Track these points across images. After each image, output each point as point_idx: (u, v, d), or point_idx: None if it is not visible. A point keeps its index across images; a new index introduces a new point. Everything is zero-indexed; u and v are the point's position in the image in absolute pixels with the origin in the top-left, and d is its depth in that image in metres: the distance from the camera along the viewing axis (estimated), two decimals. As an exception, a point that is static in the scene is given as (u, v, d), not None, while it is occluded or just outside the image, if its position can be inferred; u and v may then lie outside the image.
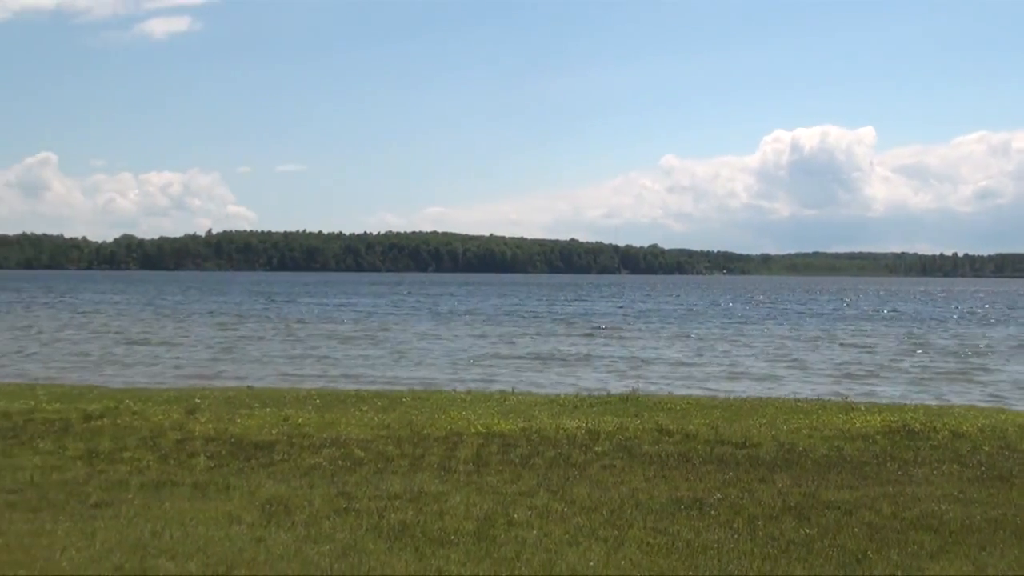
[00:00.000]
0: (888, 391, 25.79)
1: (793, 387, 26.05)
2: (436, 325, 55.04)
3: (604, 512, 9.80)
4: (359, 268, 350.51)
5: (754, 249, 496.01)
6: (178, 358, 33.46)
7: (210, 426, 14.87)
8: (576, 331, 50.41)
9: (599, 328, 52.43)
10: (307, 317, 61.88)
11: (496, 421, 15.65)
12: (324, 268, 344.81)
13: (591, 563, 8.09)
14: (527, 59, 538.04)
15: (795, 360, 35.16)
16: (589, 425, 15.30)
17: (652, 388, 24.35)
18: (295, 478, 11.36)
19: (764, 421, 16.03)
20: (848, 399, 20.21)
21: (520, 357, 35.02)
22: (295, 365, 31.50)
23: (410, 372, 29.74)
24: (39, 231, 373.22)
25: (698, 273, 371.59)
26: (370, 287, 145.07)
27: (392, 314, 66.94)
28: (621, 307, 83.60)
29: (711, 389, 25.26)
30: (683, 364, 33.31)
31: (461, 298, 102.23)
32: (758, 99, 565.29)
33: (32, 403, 17.11)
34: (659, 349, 39.64)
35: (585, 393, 21.13)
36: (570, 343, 42.07)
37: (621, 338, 45.46)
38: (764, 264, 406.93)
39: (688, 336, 47.31)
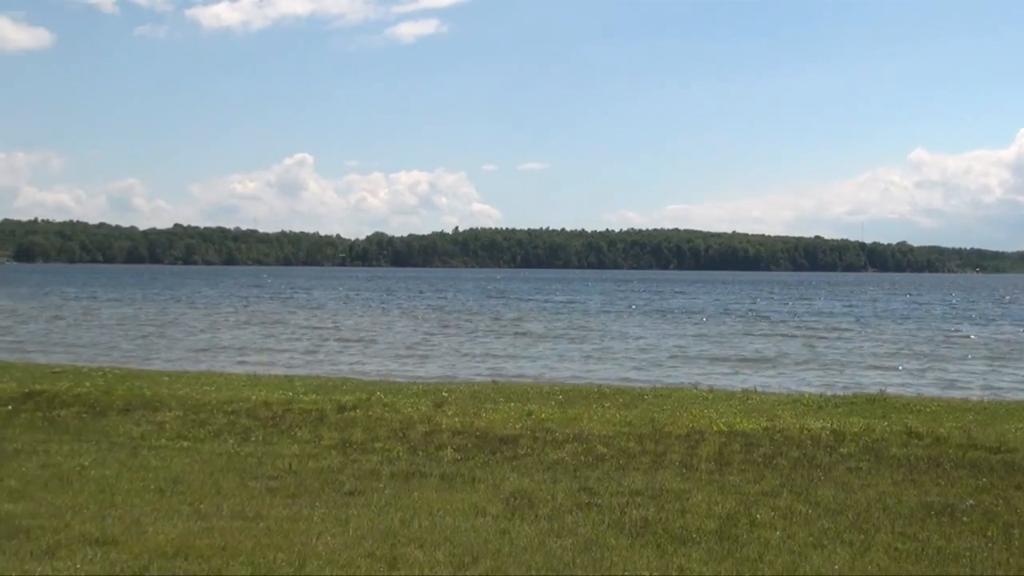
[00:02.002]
0: None
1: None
2: (647, 322, 54.85)
3: (850, 515, 9.57)
4: (601, 265, 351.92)
5: (1010, 246, 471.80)
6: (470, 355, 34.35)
7: (457, 419, 15.24)
8: (796, 331, 49.16)
9: (838, 328, 50.77)
10: (504, 314, 62.47)
11: (738, 420, 15.47)
12: (567, 265, 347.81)
13: (836, 567, 7.93)
14: (769, 53, 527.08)
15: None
16: (834, 426, 14.94)
17: (897, 390, 23.54)
18: (538, 472, 11.53)
19: (1021, 426, 15.28)
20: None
21: (723, 359, 34.38)
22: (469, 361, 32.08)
23: (585, 368, 29.77)
24: (296, 229, 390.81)
25: (949, 271, 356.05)
26: (599, 284, 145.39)
27: (607, 311, 66.90)
28: (876, 305, 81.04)
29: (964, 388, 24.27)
30: (934, 362, 32.11)
31: (688, 296, 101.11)
32: (1014, 89, 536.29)
33: (290, 394, 17.93)
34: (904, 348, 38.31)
35: (831, 393, 20.61)
36: (791, 343, 41.11)
37: (861, 338, 44.10)
38: (1021, 262, 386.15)
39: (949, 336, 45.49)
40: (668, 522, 9.17)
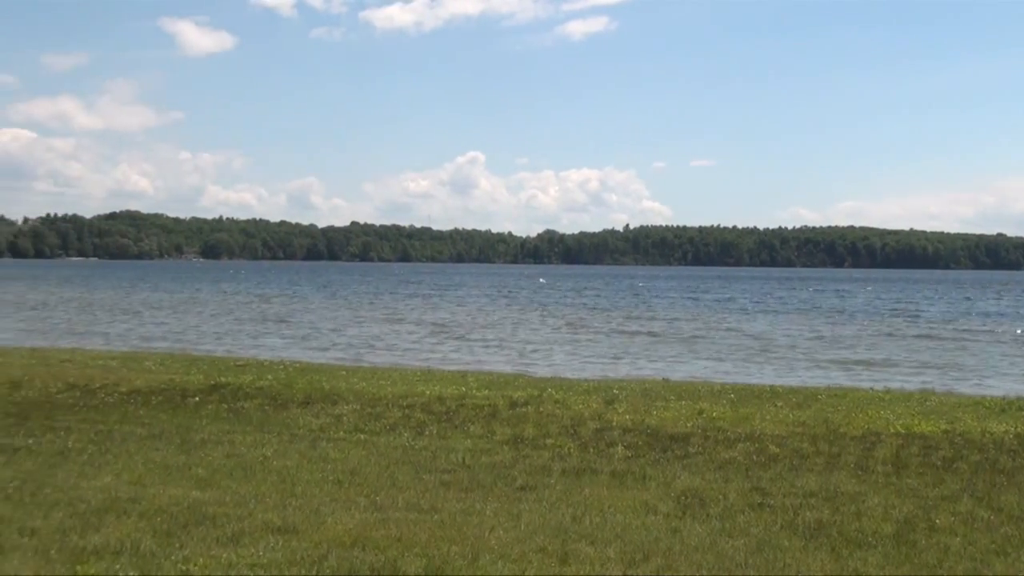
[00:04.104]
0: None
1: None
2: (781, 320, 53.71)
3: (1036, 522, 9.25)
4: (773, 263, 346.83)
5: None
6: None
7: (627, 417, 15.26)
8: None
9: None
10: (635, 311, 61.72)
11: (916, 422, 15.10)
12: (738, 263, 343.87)
13: (1021, 575, 7.68)
14: (945, 43, 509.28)
15: None
16: (1018, 429, 14.45)
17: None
18: (709, 471, 11.46)
19: None
20: None
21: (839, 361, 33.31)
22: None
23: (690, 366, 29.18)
24: (468, 227, 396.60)
25: None
26: (760, 283, 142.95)
27: (743, 311, 65.69)
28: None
29: None
30: None
31: (847, 295, 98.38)
32: None
33: (463, 389, 18.21)
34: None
35: (1014, 395, 19.88)
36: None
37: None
38: None
39: None
40: (843, 525, 9.02)
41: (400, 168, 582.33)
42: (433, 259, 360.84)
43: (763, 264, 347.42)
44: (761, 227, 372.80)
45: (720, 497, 10.05)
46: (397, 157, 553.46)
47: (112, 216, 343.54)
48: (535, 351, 33.99)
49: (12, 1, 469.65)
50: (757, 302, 79.07)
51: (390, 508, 9.31)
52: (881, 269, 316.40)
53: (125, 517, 8.65)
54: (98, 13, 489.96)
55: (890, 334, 44.27)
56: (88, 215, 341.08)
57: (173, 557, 7.54)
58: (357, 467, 11.19)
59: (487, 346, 35.88)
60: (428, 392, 17.60)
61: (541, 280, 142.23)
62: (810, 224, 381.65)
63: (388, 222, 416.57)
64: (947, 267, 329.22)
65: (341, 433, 13.58)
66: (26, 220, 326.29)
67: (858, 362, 31.18)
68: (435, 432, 13.80)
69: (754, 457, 12.30)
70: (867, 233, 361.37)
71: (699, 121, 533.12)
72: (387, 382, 19.21)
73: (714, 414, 15.64)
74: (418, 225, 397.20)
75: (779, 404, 17.10)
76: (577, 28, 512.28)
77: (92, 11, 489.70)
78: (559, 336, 41.16)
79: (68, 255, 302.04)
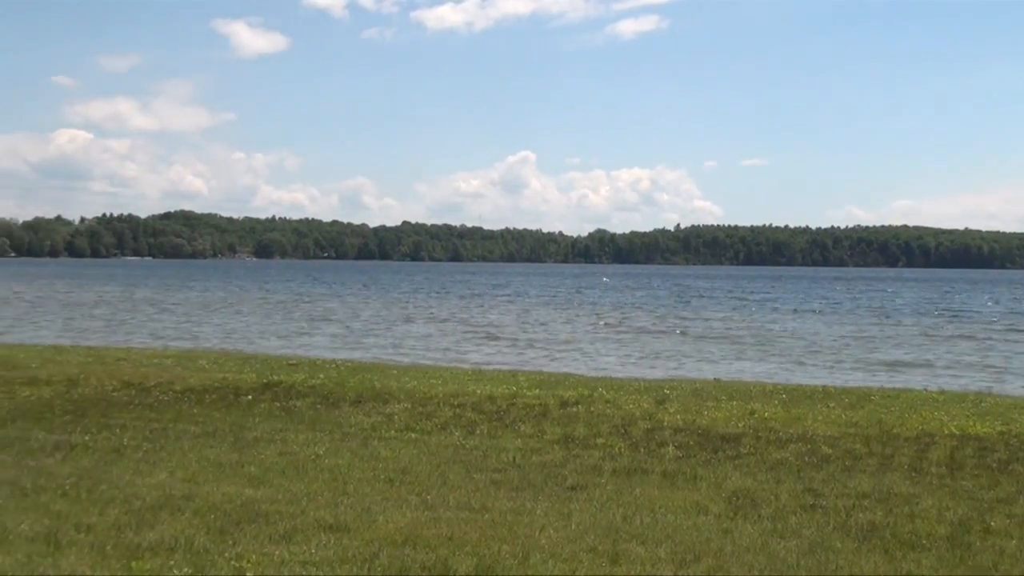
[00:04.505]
0: None
1: None
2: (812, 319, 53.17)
3: (1094, 526, 9.12)
4: (825, 263, 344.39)
5: None
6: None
7: (678, 417, 15.22)
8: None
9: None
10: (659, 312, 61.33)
11: (971, 423, 14.95)
12: (790, 263, 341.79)
13: (1078, 579, 7.58)
14: (996, 41, 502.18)
15: None
16: (1076, 431, 14.25)
17: None
18: (761, 472, 11.41)
19: None
20: None
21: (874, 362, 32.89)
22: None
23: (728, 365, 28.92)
24: (519, 226, 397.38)
25: None
26: (798, 282, 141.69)
27: (793, 311, 65.04)
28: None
29: None
30: None
31: (888, 295, 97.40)
32: None
33: (514, 388, 18.25)
34: None
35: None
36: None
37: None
38: None
39: None
40: (896, 527, 8.94)
41: (451, 168, 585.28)
42: (484, 259, 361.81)
43: (815, 264, 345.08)
44: (813, 226, 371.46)
45: (772, 498, 10.00)
46: (448, 157, 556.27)
47: (167, 216, 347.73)
48: (581, 350, 33.99)
49: (70, 4, 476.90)
50: (806, 302, 78.52)
51: (441, 507, 9.34)
52: (935, 269, 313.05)
53: (179, 514, 8.75)
54: (153, 15, 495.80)
55: (943, 335, 43.80)
56: (143, 215, 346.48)
57: (226, 554, 7.62)
58: (408, 466, 11.24)
59: (534, 345, 35.86)
60: (479, 391, 17.65)
61: (605, 279, 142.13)
62: (863, 223, 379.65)
63: (439, 222, 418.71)
64: (1003, 267, 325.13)
65: (392, 432, 13.64)
66: (83, 220, 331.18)
67: (909, 363, 30.88)
68: (486, 431, 13.83)
69: (806, 458, 12.23)
70: (921, 232, 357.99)
71: (751, 120, 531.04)
72: (438, 381, 19.29)
73: (766, 414, 15.57)
74: (469, 225, 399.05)
75: (831, 404, 16.99)
76: (628, 27, 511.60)
77: (147, 13, 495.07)
78: (608, 335, 41.09)
79: (123, 254, 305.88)
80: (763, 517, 9.22)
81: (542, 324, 47.97)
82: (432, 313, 56.29)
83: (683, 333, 42.44)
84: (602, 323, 49.03)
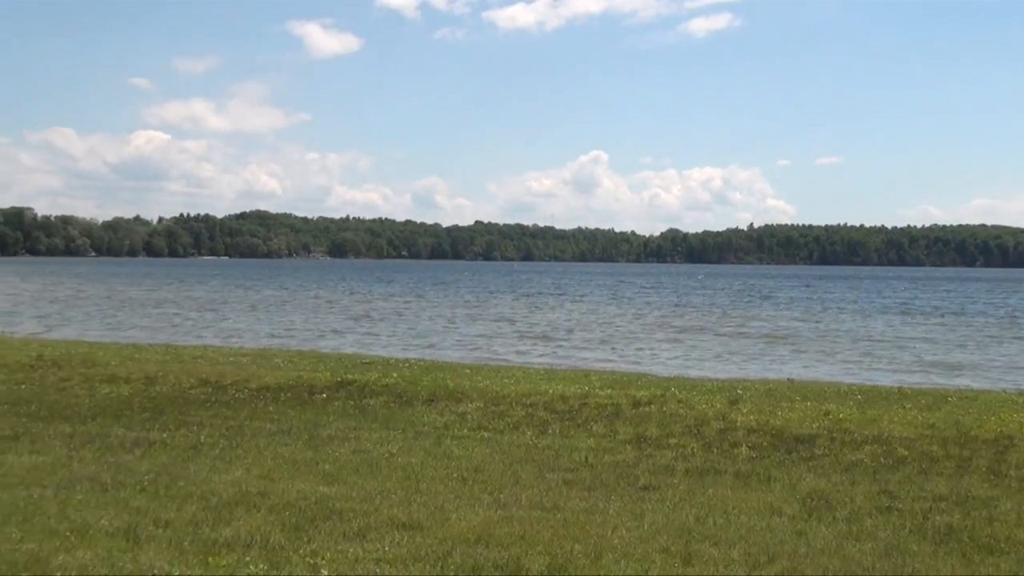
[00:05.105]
0: None
1: None
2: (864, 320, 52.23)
3: None
4: (901, 263, 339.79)
5: None
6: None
7: (752, 417, 15.11)
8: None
9: None
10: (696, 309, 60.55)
11: (1053, 426, 14.67)
12: (865, 263, 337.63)
13: None
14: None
15: None
16: None
17: None
18: (836, 473, 11.30)
19: None
20: None
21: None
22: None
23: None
24: (591, 226, 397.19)
25: None
26: (873, 281, 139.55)
27: (866, 312, 64.02)
28: None
29: None
30: None
31: (954, 296, 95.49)
32: None
33: (586, 388, 18.22)
34: None
35: None
36: None
37: None
38: None
39: None
40: (974, 530, 8.82)
41: (523, 167, 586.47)
42: (556, 258, 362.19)
43: (891, 263, 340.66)
44: (889, 225, 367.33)
45: (847, 500, 9.91)
46: (520, 156, 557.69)
47: (242, 216, 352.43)
48: (649, 350, 33.86)
49: (147, 7, 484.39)
50: (881, 301, 77.53)
51: (513, 506, 9.37)
52: (1014, 269, 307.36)
53: (255, 511, 8.86)
54: (228, 17, 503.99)
55: (1022, 335, 43.02)
56: (219, 215, 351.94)
57: (301, 551, 7.70)
58: (481, 464, 11.28)
59: (605, 345, 35.75)
60: (551, 391, 17.65)
61: (700, 276, 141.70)
62: (940, 222, 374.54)
63: (511, 221, 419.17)
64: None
65: (465, 431, 13.70)
66: (160, 220, 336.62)
67: (986, 364, 30.37)
68: (558, 431, 13.83)
69: (882, 459, 12.09)
70: (1000, 232, 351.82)
71: (824, 118, 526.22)
72: (510, 380, 19.32)
73: (840, 415, 15.40)
74: (541, 224, 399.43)
75: (907, 406, 16.76)
76: (700, 25, 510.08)
77: (223, 15, 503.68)
78: (678, 336, 40.84)
79: (200, 254, 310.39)
80: (838, 519, 9.14)
81: (613, 322, 47.87)
82: (500, 312, 56.33)
83: (761, 334, 42.04)
84: (673, 323, 48.81)
